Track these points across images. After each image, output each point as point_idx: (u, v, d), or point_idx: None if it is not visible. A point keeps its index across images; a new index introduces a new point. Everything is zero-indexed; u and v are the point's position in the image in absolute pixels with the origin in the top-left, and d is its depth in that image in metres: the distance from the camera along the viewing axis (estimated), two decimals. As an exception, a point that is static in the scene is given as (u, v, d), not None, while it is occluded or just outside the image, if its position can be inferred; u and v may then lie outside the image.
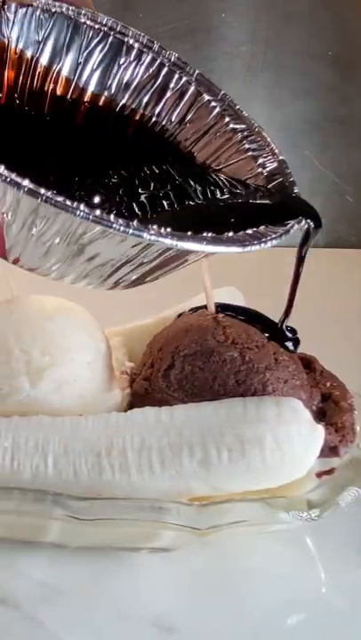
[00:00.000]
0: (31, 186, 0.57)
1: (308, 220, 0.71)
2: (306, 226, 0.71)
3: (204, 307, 0.86)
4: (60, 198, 0.58)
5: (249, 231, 0.66)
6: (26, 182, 0.57)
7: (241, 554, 0.83)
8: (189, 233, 0.62)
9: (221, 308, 0.85)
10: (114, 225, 0.59)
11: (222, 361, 0.79)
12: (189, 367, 0.80)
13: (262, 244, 0.65)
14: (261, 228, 0.67)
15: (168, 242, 0.60)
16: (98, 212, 0.59)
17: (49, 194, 0.58)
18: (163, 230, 0.60)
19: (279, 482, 0.75)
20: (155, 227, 0.60)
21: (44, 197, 0.57)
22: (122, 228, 0.59)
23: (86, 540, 0.81)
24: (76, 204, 0.58)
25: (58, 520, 0.74)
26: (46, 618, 0.76)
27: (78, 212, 0.58)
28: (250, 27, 1.54)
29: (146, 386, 0.83)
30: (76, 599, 0.78)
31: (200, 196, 0.73)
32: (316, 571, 0.84)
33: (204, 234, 0.63)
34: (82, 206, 0.58)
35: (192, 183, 0.74)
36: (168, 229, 0.61)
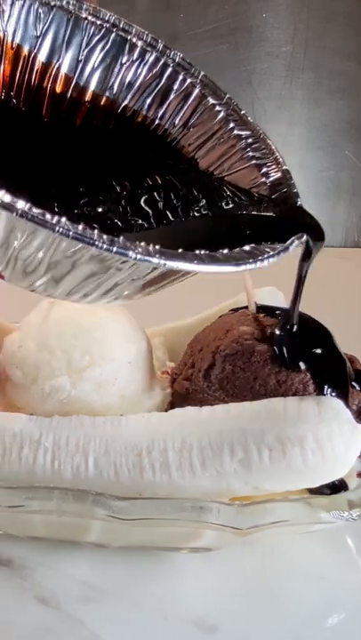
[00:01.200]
0: (7, 199, 0.54)
1: (308, 235, 0.67)
2: (306, 240, 0.67)
3: (245, 307, 0.85)
4: (37, 212, 0.55)
5: (246, 247, 0.63)
6: (1, 195, 0.54)
7: (281, 554, 0.83)
8: (180, 250, 0.59)
9: (262, 308, 0.85)
10: (96, 242, 0.56)
11: (263, 361, 0.78)
12: (230, 367, 0.80)
13: (258, 263, 0.62)
14: (261, 244, 0.64)
15: (155, 261, 0.57)
16: (80, 227, 0.56)
17: (25, 208, 0.54)
18: (151, 248, 0.57)
19: (320, 481, 0.75)
20: (142, 244, 0.57)
21: (19, 212, 0.54)
22: (105, 246, 0.56)
23: (127, 540, 0.81)
24: (56, 218, 0.55)
25: (99, 520, 0.74)
26: (87, 618, 0.76)
27: (57, 228, 0.55)
28: (291, 27, 1.54)
29: (187, 386, 0.83)
30: (118, 599, 0.78)
31: (205, 206, 0.71)
32: (357, 571, 0.83)
33: (198, 251, 0.60)
34: (62, 221, 0.55)
35: (196, 193, 0.71)
36: (157, 247, 0.58)
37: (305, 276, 0.73)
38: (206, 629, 0.75)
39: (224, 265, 0.60)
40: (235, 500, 0.74)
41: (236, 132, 0.74)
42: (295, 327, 0.78)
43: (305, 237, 0.66)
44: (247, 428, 0.74)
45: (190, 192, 0.71)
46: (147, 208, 0.68)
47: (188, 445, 0.74)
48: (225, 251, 0.61)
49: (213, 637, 0.75)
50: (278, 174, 0.73)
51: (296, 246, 0.65)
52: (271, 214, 0.70)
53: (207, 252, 0.60)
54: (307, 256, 0.69)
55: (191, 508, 0.72)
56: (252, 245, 0.63)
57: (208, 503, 0.72)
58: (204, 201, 0.71)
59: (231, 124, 0.74)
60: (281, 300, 0.90)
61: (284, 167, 0.72)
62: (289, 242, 0.64)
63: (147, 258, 0.57)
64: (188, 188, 0.71)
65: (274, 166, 0.73)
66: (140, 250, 0.57)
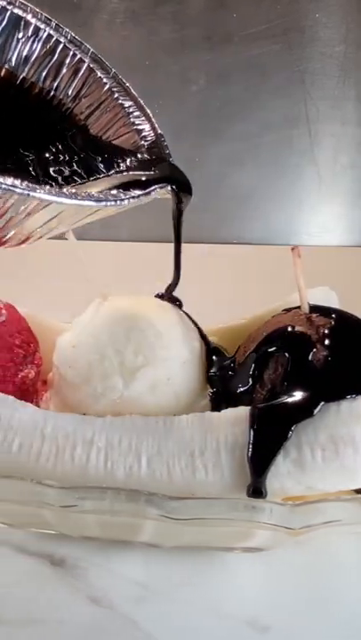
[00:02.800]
0: None
1: (175, 185, 0.75)
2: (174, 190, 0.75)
3: (298, 307, 0.85)
4: None
5: (114, 191, 0.67)
6: None
7: (334, 553, 0.83)
8: (47, 187, 0.62)
9: (315, 308, 0.84)
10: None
11: (316, 361, 0.78)
12: (283, 367, 0.79)
13: (119, 202, 0.66)
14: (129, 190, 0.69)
15: (19, 191, 0.59)
16: None
17: None
18: (19, 182, 0.59)
19: (373, 481, 0.74)
20: (10, 179, 0.59)
21: None
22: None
23: (180, 539, 0.81)
24: None
25: (151, 520, 0.74)
26: (140, 617, 0.76)
27: None
28: (343, 27, 1.53)
29: (239, 385, 0.82)
30: (170, 599, 0.78)
31: (102, 166, 0.76)
32: None
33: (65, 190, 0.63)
34: None
35: (93, 156, 0.76)
36: (25, 183, 0.60)
37: (178, 223, 0.83)
38: (259, 629, 0.75)
39: (85, 200, 0.63)
40: (287, 500, 0.74)
41: (120, 101, 0.79)
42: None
43: (168, 187, 0.74)
44: (300, 427, 0.74)
45: (89, 155, 0.76)
46: (54, 173, 0.72)
47: (240, 445, 0.74)
48: (89, 191, 0.65)
49: (266, 637, 0.74)
50: (154, 138, 0.79)
51: (157, 193, 0.72)
52: (147, 172, 0.75)
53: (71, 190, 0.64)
54: (177, 203, 0.78)
55: (244, 507, 0.72)
56: (120, 190, 0.68)
57: (261, 503, 0.72)
58: (100, 160, 0.76)
59: (116, 95, 0.79)
60: (334, 299, 0.90)
61: (159, 131, 0.79)
62: (151, 188, 0.70)
63: (10, 188, 0.59)
64: (85, 152, 0.76)
65: (151, 131, 0.79)
66: (9, 182, 0.59)
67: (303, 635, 0.75)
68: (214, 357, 0.88)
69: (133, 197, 0.67)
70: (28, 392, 0.87)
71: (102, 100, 0.80)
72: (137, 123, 0.79)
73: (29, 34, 0.79)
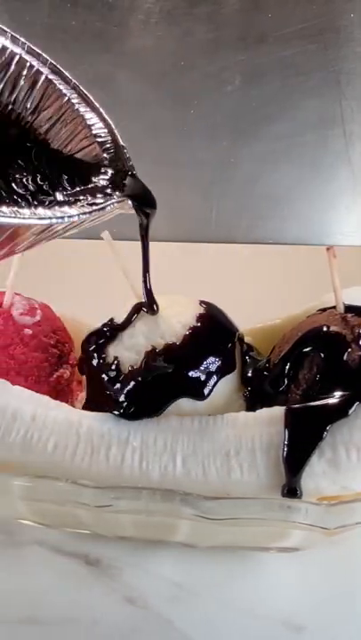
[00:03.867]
0: None
1: (137, 200, 0.74)
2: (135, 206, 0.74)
3: (333, 307, 0.85)
4: None
5: (66, 208, 0.66)
6: None
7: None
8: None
9: (350, 307, 0.84)
10: None
11: (351, 360, 0.78)
12: (318, 367, 0.79)
13: (66, 219, 0.65)
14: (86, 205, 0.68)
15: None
16: None
17: None
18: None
19: None
20: None
21: None
22: None
23: (215, 539, 0.81)
24: None
25: (186, 520, 0.74)
26: (176, 617, 0.76)
27: None
28: (379, 26, 1.53)
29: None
30: (206, 598, 0.78)
31: (66, 182, 0.74)
32: None
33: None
34: None
35: (57, 171, 0.74)
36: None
37: (144, 237, 0.80)
38: (294, 628, 0.75)
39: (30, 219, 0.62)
40: (322, 500, 0.73)
41: (81, 113, 0.77)
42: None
43: (129, 202, 0.73)
44: (335, 427, 0.73)
45: (51, 170, 0.74)
46: (20, 190, 0.70)
47: (275, 445, 0.74)
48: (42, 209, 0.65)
49: (301, 637, 0.74)
50: (115, 150, 0.77)
51: (112, 207, 0.70)
52: (110, 184, 0.74)
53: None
54: (141, 217, 0.77)
55: (279, 507, 0.71)
56: (78, 205, 0.68)
57: (296, 503, 0.71)
58: (63, 175, 0.74)
59: (76, 106, 0.77)
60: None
61: (121, 143, 0.77)
62: (107, 203, 0.69)
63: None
64: (48, 167, 0.74)
65: (113, 144, 0.76)
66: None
67: (338, 634, 0.75)
68: (249, 358, 0.88)
69: (85, 214, 0.67)
70: (63, 392, 0.87)
71: (62, 113, 0.78)
72: (98, 134, 0.77)
73: None
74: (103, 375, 0.81)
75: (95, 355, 0.83)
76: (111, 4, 1.47)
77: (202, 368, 0.79)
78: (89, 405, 0.83)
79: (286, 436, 0.73)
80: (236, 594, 0.79)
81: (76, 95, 0.77)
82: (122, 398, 0.78)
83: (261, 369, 0.86)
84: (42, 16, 1.48)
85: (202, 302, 0.85)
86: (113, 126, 0.77)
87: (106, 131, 0.76)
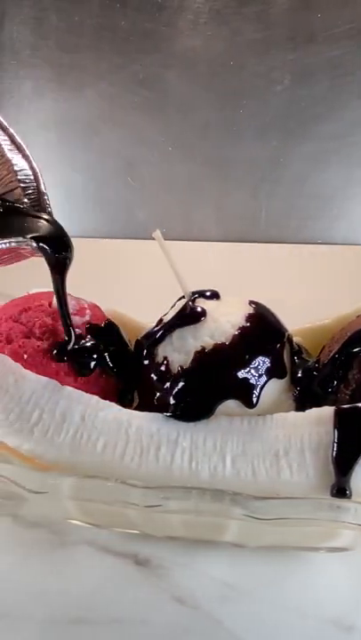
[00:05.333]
0: None
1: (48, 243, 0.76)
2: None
3: (383, 307, 0.84)
4: None
5: None
6: None
7: None
8: None
9: None
10: None
11: None
12: (367, 367, 0.78)
13: None
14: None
15: None
16: None
17: None
18: None
19: None
20: None
21: None
22: None
23: (265, 539, 0.81)
24: None
25: (236, 519, 0.74)
26: (225, 617, 0.76)
27: None
28: None
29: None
30: (256, 599, 0.78)
31: None
32: None
33: None
34: None
35: None
36: None
37: (59, 285, 0.79)
38: (344, 628, 0.74)
39: None
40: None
41: (9, 158, 0.79)
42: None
43: (33, 243, 0.74)
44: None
45: None
46: None
47: (324, 445, 0.73)
48: None
49: (351, 636, 0.74)
50: (38, 196, 0.79)
51: (17, 244, 0.73)
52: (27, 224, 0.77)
53: None
54: (50, 259, 0.76)
55: (328, 507, 0.71)
56: None
57: (345, 503, 0.71)
58: None
59: (8, 153, 0.79)
60: None
61: (43, 190, 0.79)
62: (4, 241, 0.72)
63: None
64: None
65: (35, 190, 0.79)
66: None
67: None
68: (298, 358, 0.87)
69: None
70: (113, 392, 0.87)
71: None
72: (23, 180, 0.79)
73: None
74: (153, 375, 0.81)
75: (145, 356, 0.83)
76: (160, 5, 1.47)
77: (251, 368, 0.78)
78: (139, 406, 0.84)
79: (335, 436, 0.73)
80: (286, 593, 0.78)
81: (9, 142, 0.80)
82: (171, 399, 0.78)
83: (311, 369, 0.86)
84: (91, 16, 1.49)
85: (251, 302, 0.84)
86: (39, 174, 0.79)
87: (32, 177, 0.79)
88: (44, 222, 0.77)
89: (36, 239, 0.75)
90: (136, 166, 1.63)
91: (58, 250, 0.76)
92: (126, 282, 1.33)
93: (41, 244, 0.75)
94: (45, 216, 0.78)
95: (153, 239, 0.79)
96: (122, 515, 0.79)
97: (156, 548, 0.84)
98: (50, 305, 0.85)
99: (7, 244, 0.72)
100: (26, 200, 0.78)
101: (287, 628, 0.75)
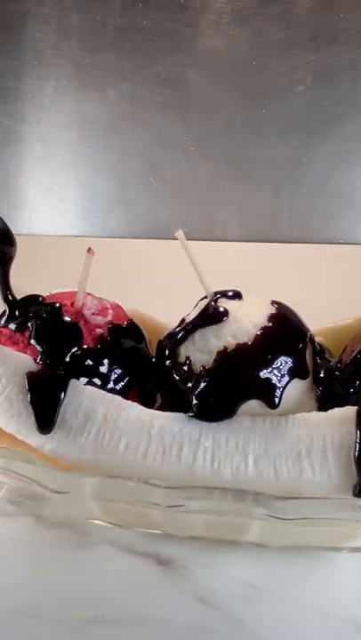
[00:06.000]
0: None
1: None
2: None
3: None
4: None
5: None
6: None
7: None
8: None
9: None
10: None
11: None
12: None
13: None
14: None
15: None
16: None
17: None
18: None
19: None
20: None
21: None
22: None
23: (287, 539, 0.81)
24: None
25: (258, 519, 0.74)
26: (247, 617, 0.76)
27: None
28: None
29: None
30: (278, 599, 0.78)
31: None
32: None
33: None
34: None
35: None
36: None
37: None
38: (367, 629, 0.74)
39: None
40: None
41: None
42: None
43: None
44: None
45: None
46: None
47: (346, 445, 0.73)
48: None
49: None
50: None
51: None
52: None
53: None
54: None
55: (351, 507, 0.71)
56: None
57: (368, 502, 0.71)
58: None
59: None
60: None
61: None
62: None
63: None
64: None
65: None
66: None
67: None
68: (320, 358, 0.87)
69: None
70: (134, 393, 0.87)
71: None
72: None
73: None
74: (175, 375, 0.81)
75: (167, 356, 0.83)
76: (182, 5, 1.47)
77: (273, 368, 0.78)
78: (161, 406, 0.84)
79: (358, 437, 0.73)
80: (308, 594, 0.78)
81: None
82: (194, 399, 0.78)
83: (333, 369, 0.86)
84: (113, 16, 1.49)
85: (273, 302, 0.84)
86: None
87: None
88: None
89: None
90: (158, 166, 1.63)
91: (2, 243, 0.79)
92: (148, 282, 1.33)
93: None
94: None
95: (175, 239, 0.80)
96: (144, 515, 0.79)
97: (178, 548, 0.84)
98: (72, 305, 0.85)
99: None
100: None
101: (309, 628, 0.75)
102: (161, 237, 1.51)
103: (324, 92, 1.53)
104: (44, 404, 0.77)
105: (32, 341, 0.81)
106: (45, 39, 1.55)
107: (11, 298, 0.83)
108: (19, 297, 0.86)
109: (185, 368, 0.81)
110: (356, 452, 0.72)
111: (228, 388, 0.78)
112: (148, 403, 0.84)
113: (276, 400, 0.77)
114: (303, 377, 0.81)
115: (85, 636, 0.77)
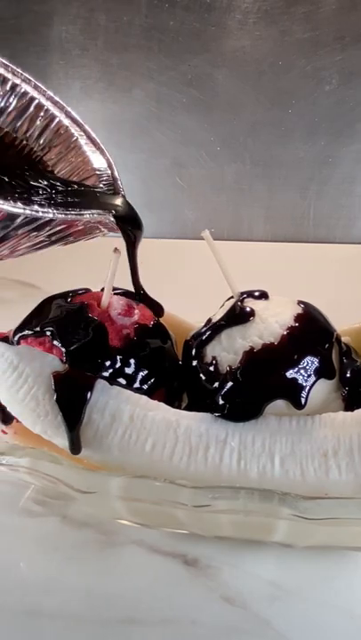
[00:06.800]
0: None
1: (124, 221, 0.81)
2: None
3: None
4: None
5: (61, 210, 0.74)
6: None
7: None
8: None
9: None
10: None
11: None
12: None
13: (47, 214, 0.72)
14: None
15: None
16: None
17: None
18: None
19: None
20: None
21: None
22: None
23: (313, 539, 0.81)
24: None
25: (284, 519, 0.74)
26: (274, 617, 0.76)
27: None
28: None
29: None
30: (304, 598, 0.78)
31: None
32: None
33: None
34: None
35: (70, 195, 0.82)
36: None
37: (132, 260, 0.84)
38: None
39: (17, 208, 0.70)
40: None
41: (85, 151, 0.87)
42: None
43: (110, 217, 0.79)
44: None
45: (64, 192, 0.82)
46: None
47: (374, 445, 0.73)
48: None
49: None
50: (111, 182, 0.85)
51: (91, 217, 0.77)
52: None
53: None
54: (126, 239, 0.82)
55: (378, 507, 0.71)
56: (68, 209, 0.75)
57: (396, 502, 0.71)
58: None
59: (83, 147, 0.87)
60: None
61: (116, 176, 0.85)
62: (87, 212, 0.76)
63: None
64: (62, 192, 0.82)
65: (110, 179, 0.85)
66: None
67: None
68: (347, 358, 0.87)
69: (64, 214, 0.74)
70: (161, 392, 0.87)
71: (70, 149, 0.88)
72: (98, 169, 0.86)
73: (7, 89, 0.88)
74: (201, 375, 0.81)
75: (194, 356, 0.83)
76: (209, 5, 1.47)
77: (299, 368, 0.78)
78: (188, 406, 0.84)
79: (386, 436, 0.73)
80: (335, 594, 0.78)
81: (84, 137, 0.88)
82: (220, 399, 0.78)
83: (359, 369, 0.85)
84: (140, 16, 1.49)
85: (300, 302, 0.84)
86: (112, 162, 0.86)
87: (106, 166, 0.86)
88: (120, 202, 0.82)
89: (115, 216, 0.79)
90: (184, 166, 1.63)
91: (132, 227, 0.82)
92: (175, 282, 1.33)
93: (118, 221, 0.79)
94: (120, 198, 0.82)
95: (202, 239, 0.80)
96: (170, 514, 0.79)
97: (204, 547, 0.84)
98: (98, 305, 0.85)
99: (90, 215, 0.76)
100: (101, 185, 0.83)
101: (335, 627, 0.74)
102: (187, 237, 1.52)
103: (351, 92, 1.53)
104: (71, 403, 0.77)
105: (58, 342, 0.81)
106: (72, 39, 1.55)
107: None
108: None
109: (211, 368, 0.81)
110: (382, 452, 0.72)
111: (254, 387, 0.78)
112: (174, 403, 0.84)
113: (303, 400, 0.77)
114: (330, 377, 0.80)
115: (112, 635, 0.77)
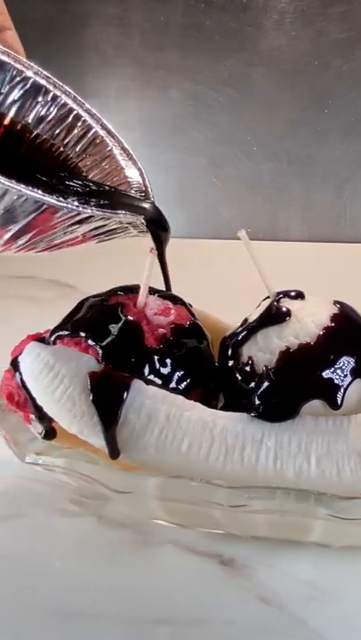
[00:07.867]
0: None
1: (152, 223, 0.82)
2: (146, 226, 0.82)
3: None
4: None
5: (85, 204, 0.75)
6: None
7: None
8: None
9: None
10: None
11: None
12: None
13: (80, 208, 0.72)
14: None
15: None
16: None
17: None
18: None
19: None
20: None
21: None
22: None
23: (350, 539, 0.80)
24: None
25: (321, 520, 0.74)
26: (310, 617, 0.76)
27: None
28: None
29: None
30: (341, 599, 0.78)
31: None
32: None
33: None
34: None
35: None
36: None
37: (162, 260, 0.85)
38: None
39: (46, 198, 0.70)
40: None
41: (119, 160, 0.89)
42: None
43: (141, 218, 0.81)
44: None
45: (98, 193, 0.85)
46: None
47: None
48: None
49: None
50: (142, 191, 0.87)
51: (122, 219, 0.79)
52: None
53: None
54: (154, 240, 0.84)
55: None
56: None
57: None
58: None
59: (117, 156, 0.89)
60: None
61: (148, 184, 0.87)
62: (119, 212, 0.78)
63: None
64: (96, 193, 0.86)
65: (142, 188, 0.87)
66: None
67: None
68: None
69: (90, 209, 0.74)
70: (197, 392, 0.87)
71: (104, 158, 0.90)
72: (130, 177, 0.88)
73: (48, 99, 0.91)
74: (237, 375, 0.81)
75: (230, 356, 0.84)
76: (245, 5, 1.47)
77: (336, 369, 0.78)
78: (224, 406, 0.84)
79: None
80: (371, 593, 0.78)
81: (119, 148, 0.90)
82: (256, 399, 0.78)
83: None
84: (176, 16, 1.49)
85: (336, 302, 0.84)
86: (144, 171, 0.88)
87: (138, 174, 0.88)
88: (150, 207, 0.84)
89: (145, 218, 0.81)
90: (220, 165, 1.64)
91: (161, 230, 0.83)
92: (211, 282, 1.33)
93: (148, 224, 0.81)
94: (150, 202, 0.84)
95: (238, 239, 0.80)
96: (206, 514, 0.79)
97: (240, 547, 0.84)
98: (134, 305, 0.85)
99: (123, 215, 0.77)
100: (133, 191, 0.86)
101: (373, 628, 0.74)
102: (223, 237, 1.52)
103: (388, 91, 1.52)
104: (107, 404, 0.77)
105: (94, 342, 0.82)
106: (108, 39, 1.56)
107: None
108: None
109: (247, 368, 0.81)
110: None
111: (290, 388, 0.78)
112: (210, 403, 0.84)
113: (339, 400, 0.77)
114: (366, 377, 0.80)
115: (148, 635, 0.77)
